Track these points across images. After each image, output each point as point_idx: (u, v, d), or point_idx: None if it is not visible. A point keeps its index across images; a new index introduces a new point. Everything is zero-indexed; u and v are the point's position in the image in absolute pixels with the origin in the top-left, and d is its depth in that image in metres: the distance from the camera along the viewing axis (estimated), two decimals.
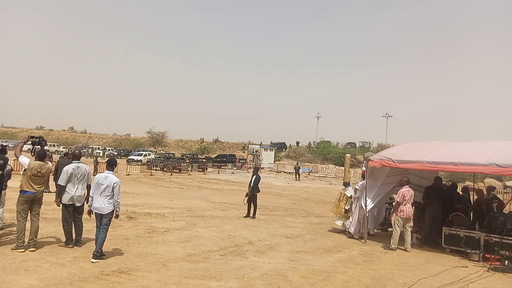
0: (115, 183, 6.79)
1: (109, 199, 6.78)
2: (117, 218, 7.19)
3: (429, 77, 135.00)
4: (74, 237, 7.47)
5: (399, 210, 9.35)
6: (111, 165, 7.16)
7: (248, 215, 12.68)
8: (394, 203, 10.83)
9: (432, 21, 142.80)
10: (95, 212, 6.87)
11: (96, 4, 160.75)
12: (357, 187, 10.67)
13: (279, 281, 6.26)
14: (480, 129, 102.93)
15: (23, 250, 6.90)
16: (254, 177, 13.08)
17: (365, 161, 10.52)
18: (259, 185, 13.12)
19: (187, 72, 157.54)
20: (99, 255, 6.68)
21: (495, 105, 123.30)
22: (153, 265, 6.62)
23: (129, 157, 44.81)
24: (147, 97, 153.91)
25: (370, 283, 6.47)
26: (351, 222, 10.56)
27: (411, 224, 10.08)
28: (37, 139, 8.13)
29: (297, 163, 41.92)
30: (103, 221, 6.81)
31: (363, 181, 10.59)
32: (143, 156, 44.49)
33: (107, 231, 6.87)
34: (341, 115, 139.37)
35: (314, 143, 64.72)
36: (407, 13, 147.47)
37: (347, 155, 21.00)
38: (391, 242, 9.27)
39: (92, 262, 6.51)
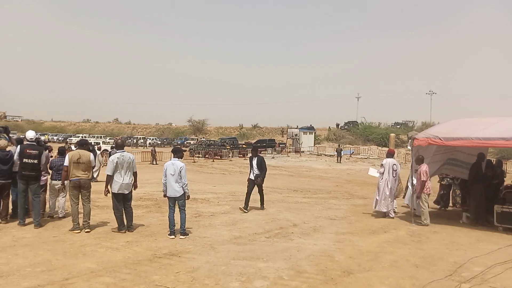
0: (181, 167, 7.54)
1: (179, 183, 7.50)
2: (188, 199, 7.84)
3: (474, 52, 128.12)
4: (125, 223, 7.85)
5: (426, 187, 9.38)
6: (175, 152, 7.92)
7: (246, 208, 10.37)
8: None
9: None
10: (169, 196, 7.60)
11: None
12: (383, 162, 10.46)
13: (326, 261, 6.28)
14: None
15: (79, 231, 7.65)
16: (256, 159, 10.74)
17: (410, 140, 10.20)
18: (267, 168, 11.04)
19: (224, 60, 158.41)
20: (184, 231, 7.61)
21: None
22: (202, 248, 6.83)
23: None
24: (186, 87, 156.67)
25: (419, 263, 6.36)
26: (377, 199, 10.34)
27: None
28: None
29: (339, 145, 41.33)
30: (179, 203, 7.65)
31: (387, 159, 10.50)
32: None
33: (185, 211, 7.78)
34: (382, 94, 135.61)
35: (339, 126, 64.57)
36: None
37: (392, 134, 20.53)
38: (423, 219, 9.37)
39: (180, 238, 7.42)
